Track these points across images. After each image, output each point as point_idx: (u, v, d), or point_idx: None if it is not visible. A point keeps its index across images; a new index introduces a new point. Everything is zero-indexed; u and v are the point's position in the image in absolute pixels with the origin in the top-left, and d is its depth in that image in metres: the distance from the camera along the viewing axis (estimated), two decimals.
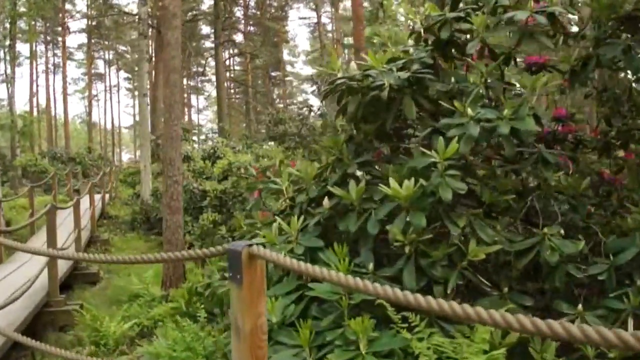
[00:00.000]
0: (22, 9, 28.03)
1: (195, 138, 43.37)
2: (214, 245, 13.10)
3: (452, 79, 4.55)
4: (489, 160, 4.65)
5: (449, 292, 3.86)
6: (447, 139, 3.97)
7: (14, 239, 13.65)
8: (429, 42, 4.93)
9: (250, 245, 2.79)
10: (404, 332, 3.65)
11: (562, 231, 4.14)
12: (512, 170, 4.60)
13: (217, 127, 32.04)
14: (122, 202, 22.57)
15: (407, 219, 3.94)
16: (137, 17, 29.43)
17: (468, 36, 4.75)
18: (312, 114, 21.36)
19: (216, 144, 24.76)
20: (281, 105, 66.43)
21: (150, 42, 36.32)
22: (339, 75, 4.96)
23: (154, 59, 32.92)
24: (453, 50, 4.90)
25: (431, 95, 4.68)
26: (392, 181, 4.01)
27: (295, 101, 74.91)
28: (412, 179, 3.97)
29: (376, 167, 4.90)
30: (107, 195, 20.95)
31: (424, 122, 4.98)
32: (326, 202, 4.59)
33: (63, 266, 9.87)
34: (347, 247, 4.15)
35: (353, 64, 4.82)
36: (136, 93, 70.36)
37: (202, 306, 6.11)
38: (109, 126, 65.93)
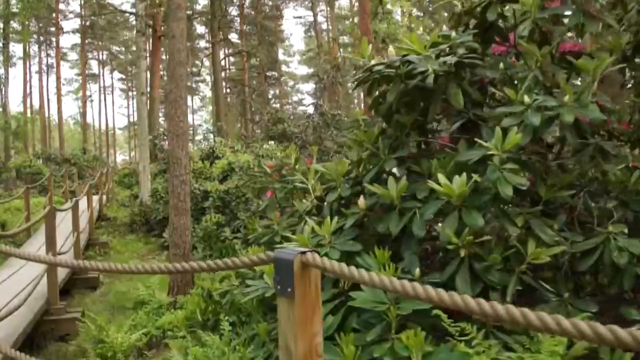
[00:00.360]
0: (15, 10, 27.57)
1: (190, 138, 42.81)
2: (220, 248, 12.65)
3: (501, 65, 4.12)
4: (539, 153, 4.21)
5: (508, 298, 3.44)
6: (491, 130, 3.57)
7: (11, 242, 13.19)
8: (470, 26, 4.50)
9: (304, 252, 2.37)
10: (460, 345, 3.24)
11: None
12: (570, 164, 4.17)
13: (214, 127, 31.51)
14: (119, 203, 22.09)
15: (460, 219, 3.52)
16: (132, 15, 29.00)
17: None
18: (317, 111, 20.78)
19: (214, 144, 24.28)
20: (276, 105, 66.14)
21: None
22: (372, 62, 4.52)
23: (148, 58, 32.42)
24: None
25: (471, 82, 4.26)
26: (441, 177, 3.58)
27: (290, 101, 74.75)
28: (464, 175, 3.55)
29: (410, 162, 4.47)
30: (104, 197, 20.44)
31: (449, 114, 4.58)
32: (361, 201, 4.16)
33: (62, 271, 9.40)
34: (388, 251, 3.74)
35: (392, 50, 4.38)
36: (130, 93, 69.93)
37: (225, 317, 5.65)
38: (103, 127, 65.35)
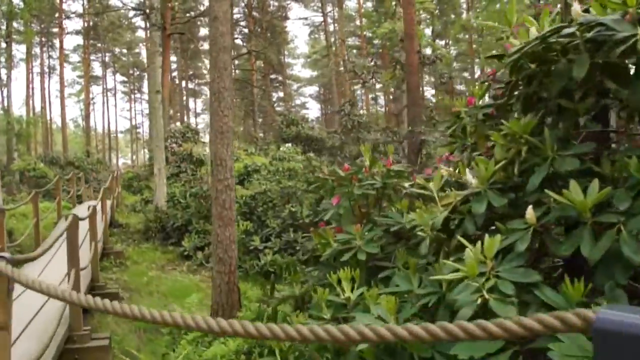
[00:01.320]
0: (17, 10, 26.53)
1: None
2: (252, 259, 11.51)
3: None
4: None
5: None
6: None
7: (17, 251, 12.04)
8: None
9: None
10: None
11: None
12: None
13: None
14: (128, 208, 20.96)
15: None
16: (141, 12, 27.95)
17: None
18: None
19: None
20: (279, 109, 65.06)
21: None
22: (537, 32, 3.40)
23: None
24: None
25: None
26: None
27: (293, 104, 73.69)
28: None
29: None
30: (114, 202, 19.30)
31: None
32: (531, 213, 3.02)
33: (82, 286, 8.26)
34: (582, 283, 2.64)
35: (577, 6, 3.21)
36: (132, 96, 68.82)
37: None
38: (105, 130, 64.22)
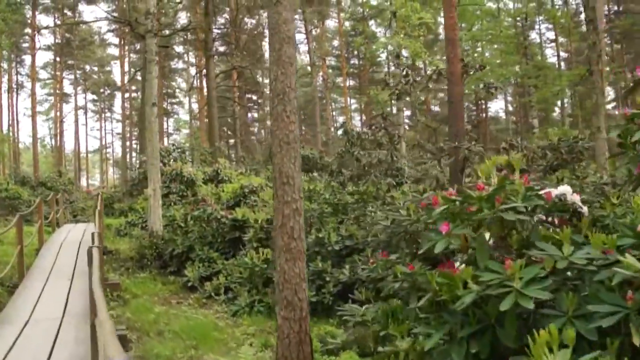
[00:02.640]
0: None
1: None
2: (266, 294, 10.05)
3: None
4: None
5: None
6: None
7: None
8: None
9: None
10: None
11: None
12: None
13: (203, 149, 28.82)
14: (112, 232, 19.26)
15: None
16: (122, 23, 26.42)
17: None
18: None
19: (218, 166, 21.69)
20: (253, 129, 63.62)
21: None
22: None
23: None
24: None
25: None
26: None
27: (269, 125, 72.20)
28: None
29: None
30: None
31: None
32: None
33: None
34: None
35: None
36: (103, 115, 66.56)
37: None
38: (74, 149, 61.87)
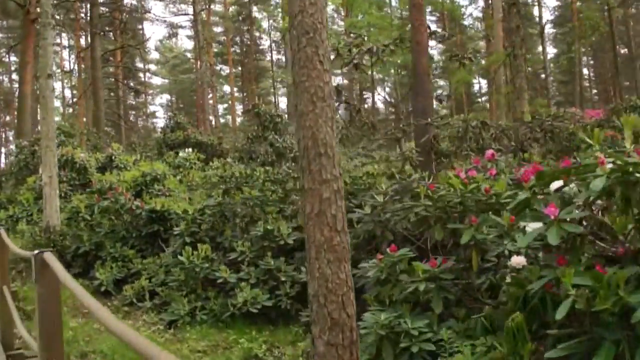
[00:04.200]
0: None
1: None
2: (218, 296, 8.39)
3: None
4: None
5: None
6: None
7: None
8: None
9: None
10: None
11: None
12: None
13: (93, 134, 26.03)
14: None
15: None
16: None
17: None
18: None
19: (113, 152, 19.35)
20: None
21: None
22: None
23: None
24: None
25: None
26: None
27: (147, 111, 68.62)
28: None
29: None
30: None
31: None
32: None
33: None
34: None
35: None
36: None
37: None
38: None
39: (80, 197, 12.83)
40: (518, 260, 4.96)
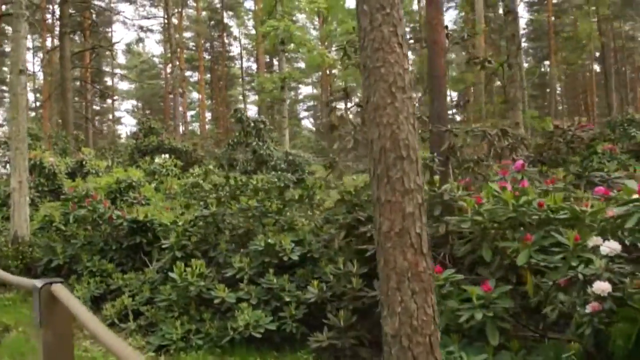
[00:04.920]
0: None
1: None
2: (214, 318, 7.50)
3: None
4: None
5: None
6: None
7: None
8: None
9: None
10: None
11: None
12: None
13: (61, 138, 24.74)
14: None
15: None
16: None
17: None
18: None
19: (85, 157, 18.25)
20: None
21: None
22: None
23: None
24: None
25: None
26: None
27: (111, 117, 66.79)
28: None
29: None
30: None
31: None
32: None
33: None
34: None
35: None
36: None
37: None
38: None
39: (53, 205, 11.77)
40: (602, 287, 4.22)
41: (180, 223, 9.10)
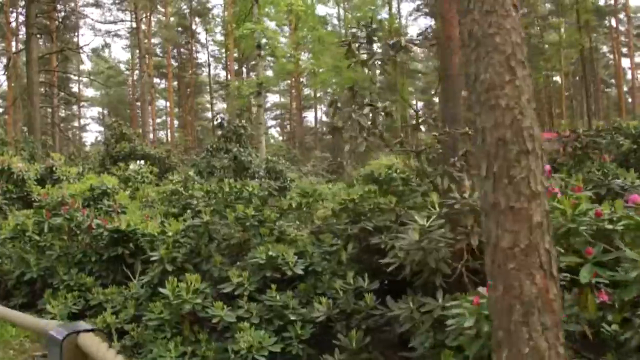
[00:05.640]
0: None
1: None
2: (211, 339, 6.79)
3: None
4: None
5: None
6: None
7: None
8: None
9: None
10: None
11: None
12: None
13: (29, 143, 23.63)
14: None
15: None
16: None
17: None
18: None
19: (54, 162, 17.30)
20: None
21: None
22: None
23: None
24: None
25: None
26: None
27: (77, 124, 65.33)
28: None
29: None
30: None
31: None
32: None
33: None
34: None
35: None
36: None
37: None
38: None
39: (25, 213, 10.85)
40: None
41: (170, 233, 8.31)
